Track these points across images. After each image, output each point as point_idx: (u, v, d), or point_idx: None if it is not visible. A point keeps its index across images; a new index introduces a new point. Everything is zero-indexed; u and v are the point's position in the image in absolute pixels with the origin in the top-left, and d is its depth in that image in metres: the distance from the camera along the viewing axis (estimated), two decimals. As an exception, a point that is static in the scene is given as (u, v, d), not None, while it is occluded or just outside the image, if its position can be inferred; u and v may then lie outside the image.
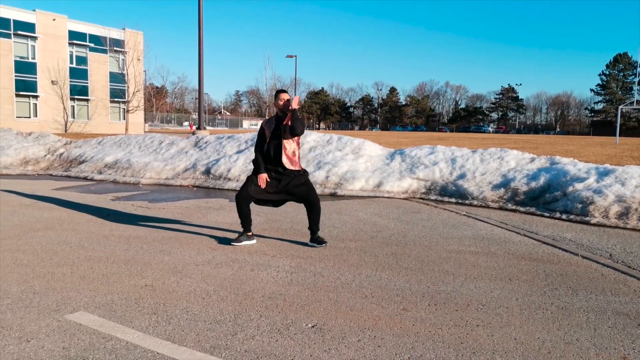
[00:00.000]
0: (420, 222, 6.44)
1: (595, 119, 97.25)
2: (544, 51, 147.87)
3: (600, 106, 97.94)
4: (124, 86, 39.48)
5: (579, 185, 7.45)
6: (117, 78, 42.66)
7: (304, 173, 5.04)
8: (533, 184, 7.98)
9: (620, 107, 44.09)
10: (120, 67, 40.02)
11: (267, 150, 4.92)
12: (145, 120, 58.24)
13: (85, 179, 10.90)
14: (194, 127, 18.88)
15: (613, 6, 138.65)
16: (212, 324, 3.06)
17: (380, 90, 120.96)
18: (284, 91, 5.00)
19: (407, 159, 9.93)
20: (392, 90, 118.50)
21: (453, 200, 8.20)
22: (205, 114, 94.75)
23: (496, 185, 8.35)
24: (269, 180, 4.89)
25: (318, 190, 8.86)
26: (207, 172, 10.29)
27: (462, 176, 8.90)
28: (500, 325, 3.13)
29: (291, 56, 49.26)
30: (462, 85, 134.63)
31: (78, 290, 3.60)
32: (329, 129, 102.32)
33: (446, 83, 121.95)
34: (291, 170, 4.92)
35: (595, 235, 5.83)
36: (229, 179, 9.86)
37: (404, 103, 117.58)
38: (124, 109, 40.79)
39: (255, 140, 5.19)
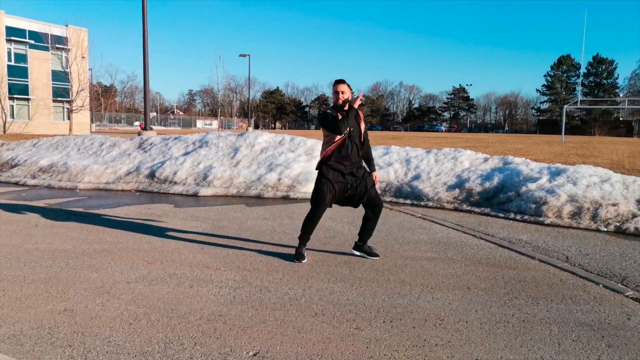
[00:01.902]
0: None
1: (541, 118, 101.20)
2: (493, 52, 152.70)
3: (545, 106, 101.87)
4: (68, 85, 37.52)
5: (532, 185, 7.41)
6: (60, 76, 40.44)
7: (370, 175, 4.57)
8: (487, 185, 7.90)
9: (565, 106, 45.95)
10: (63, 65, 37.90)
11: (340, 150, 4.34)
12: (93, 120, 55.77)
13: (16, 184, 10.06)
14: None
15: (557, 8, 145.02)
16: (136, 357, 2.64)
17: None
18: (343, 82, 4.42)
19: (361, 159, 9.68)
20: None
21: (408, 201, 8.01)
22: (156, 113, 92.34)
23: (451, 185, 8.23)
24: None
25: (269, 194, 8.48)
26: (152, 175, 9.70)
27: (417, 177, 8.74)
28: (460, 343, 2.88)
29: (244, 55, 48.50)
30: (415, 85, 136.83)
31: (-19, 320, 3.09)
32: (285, 129, 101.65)
33: (400, 83, 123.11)
34: (362, 170, 4.50)
35: (550, 236, 5.74)
36: (175, 183, 9.32)
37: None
38: (68, 108, 38.78)
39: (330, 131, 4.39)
